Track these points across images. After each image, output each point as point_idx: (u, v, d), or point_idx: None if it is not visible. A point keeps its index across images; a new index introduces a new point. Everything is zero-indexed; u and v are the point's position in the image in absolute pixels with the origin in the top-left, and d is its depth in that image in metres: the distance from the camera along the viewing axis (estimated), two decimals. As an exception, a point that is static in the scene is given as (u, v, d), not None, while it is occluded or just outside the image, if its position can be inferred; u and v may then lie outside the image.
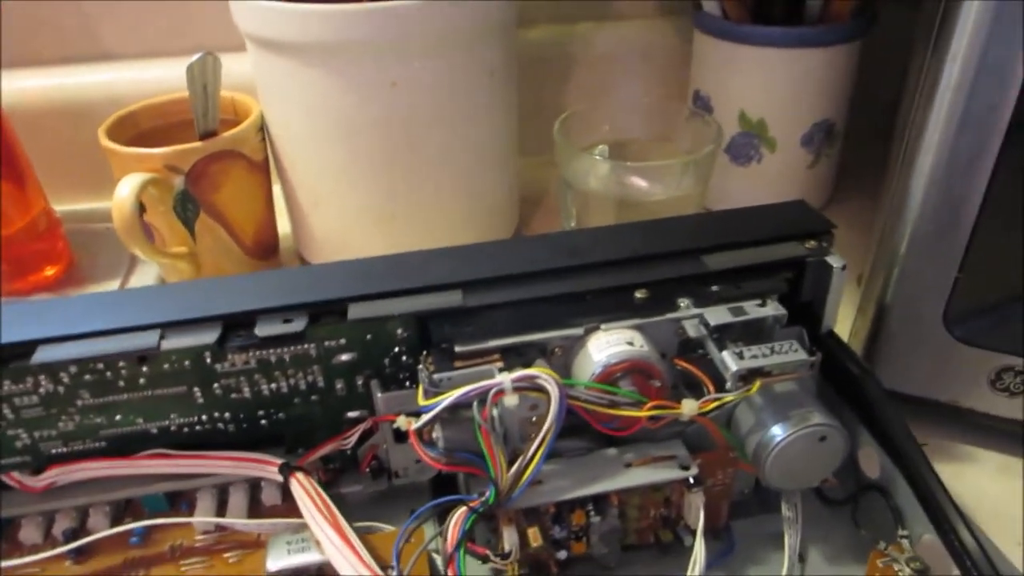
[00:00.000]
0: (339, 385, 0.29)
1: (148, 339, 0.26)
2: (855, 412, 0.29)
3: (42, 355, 0.26)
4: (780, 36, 0.46)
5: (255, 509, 0.30)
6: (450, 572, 0.24)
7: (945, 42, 0.28)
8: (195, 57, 0.41)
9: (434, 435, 0.26)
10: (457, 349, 0.27)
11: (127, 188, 0.38)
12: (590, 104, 0.47)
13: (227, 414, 0.29)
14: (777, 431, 0.26)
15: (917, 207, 0.31)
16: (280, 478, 0.28)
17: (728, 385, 0.26)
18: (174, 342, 0.26)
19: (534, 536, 0.26)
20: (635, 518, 0.28)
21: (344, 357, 0.28)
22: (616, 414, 0.26)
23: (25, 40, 0.55)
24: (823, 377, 0.30)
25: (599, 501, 0.27)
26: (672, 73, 0.60)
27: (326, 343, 0.28)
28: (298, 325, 0.27)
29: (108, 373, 0.27)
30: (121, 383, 0.27)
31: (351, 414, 0.30)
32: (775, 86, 0.48)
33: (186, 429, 0.29)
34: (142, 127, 0.45)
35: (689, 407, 0.26)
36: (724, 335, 0.28)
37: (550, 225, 0.54)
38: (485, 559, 0.26)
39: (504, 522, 0.26)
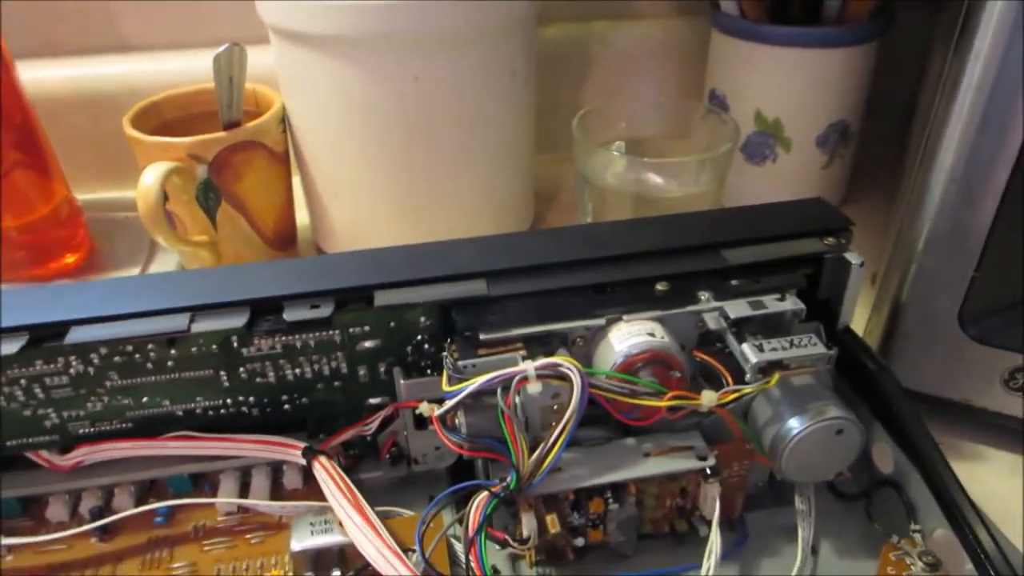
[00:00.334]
0: (362, 372, 0.29)
1: (178, 322, 0.27)
2: (870, 407, 0.30)
3: (75, 335, 0.26)
4: (798, 36, 0.46)
5: (276, 492, 0.31)
6: (471, 555, 0.25)
7: (968, 42, 0.28)
8: (222, 48, 0.41)
9: (457, 421, 0.27)
10: (481, 337, 0.27)
11: (152, 176, 0.38)
12: (607, 101, 0.47)
13: (251, 398, 0.29)
14: (794, 423, 0.27)
15: (935, 205, 0.31)
16: (303, 461, 0.29)
17: (747, 377, 0.27)
18: (203, 325, 0.27)
19: (552, 522, 0.26)
20: (652, 507, 0.28)
21: (368, 344, 0.29)
22: (636, 403, 0.26)
23: (49, 31, 0.56)
24: (839, 373, 0.30)
25: (617, 489, 0.27)
26: (688, 72, 0.60)
27: (351, 329, 0.28)
28: (325, 311, 0.27)
29: (137, 355, 0.27)
30: (149, 365, 0.28)
31: (372, 400, 0.30)
32: (792, 86, 0.48)
33: (211, 412, 0.29)
34: (165, 117, 0.46)
35: (708, 398, 0.26)
36: (743, 328, 0.28)
37: (565, 221, 0.55)
38: (504, 544, 0.26)
39: (524, 508, 0.26)
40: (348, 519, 0.26)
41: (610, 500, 0.27)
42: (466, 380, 0.26)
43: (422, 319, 0.28)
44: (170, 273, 0.30)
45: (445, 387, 0.26)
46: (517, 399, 0.26)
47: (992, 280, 0.32)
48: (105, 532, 0.29)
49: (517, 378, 0.25)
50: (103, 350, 0.27)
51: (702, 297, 0.29)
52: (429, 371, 0.29)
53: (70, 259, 0.49)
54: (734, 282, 0.29)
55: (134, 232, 0.50)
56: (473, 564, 0.24)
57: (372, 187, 0.44)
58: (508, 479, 0.25)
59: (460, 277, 0.28)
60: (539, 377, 0.25)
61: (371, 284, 0.28)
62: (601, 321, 0.28)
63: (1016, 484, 0.34)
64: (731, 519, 0.30)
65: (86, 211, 0.51)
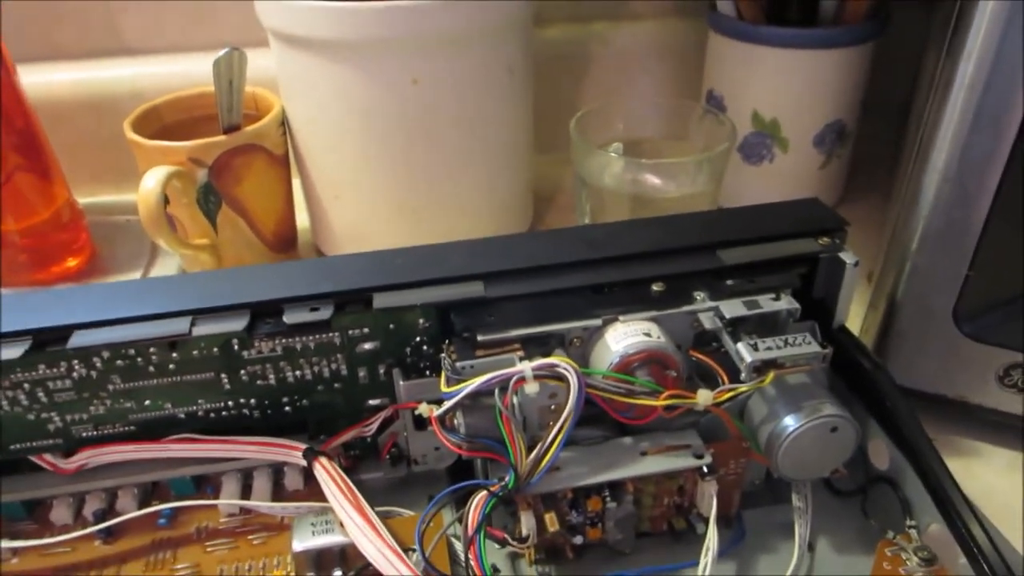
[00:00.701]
0: (361, 373, 0.30)
1: (180, 325, 0.27)
2: (865, 405, 0.30)
3: (78, 339, 0.27)
4: (795, 37, 0.47)
5: (278, 493, 0.31)
6: (471, 554, 0.25)
7: (960, 41, 0.28)
8: (222, 52, 0.42)
9: (455, 422, 0.27)
10: (479, 338, 0.27)
11: (153, 180, 0.39)
12: (605, 102, 0.48)
13: (252, 400, 0.30)
14: (790, 421, 0.27)
15: (929, 204, 0.31)
16: (304, 462, 0.29)
17: (743, 376, 0.27)
18: (204, 328, 0.27)
19: (551, 521, 0.27)
20: (649, 505, 0.29)
21: (367, 346, 0.29)
22: (633, 403, 0.26)
23: (49, 34, 0.56)
24: (834, 371, 0.30)
25: (615, 488, 0.27)
26: (686, 73, 0.60)
27: (350, 332, 0.28)
28: (325, 313, 0.28)
29: (139, 359, 0.28)
30: (151, 368, 0.28)
31: (372, 402, 0.30)
32: (789, 87, 0.48)
33: (212, 414, 0.30)
34: (165, 120, 0.46)
35: (704, 397, 0.26)
36: (739, 328, 0.28)
37: (563, 222, 0.55)
38: (503, 543, 0.27)
39: (523, 507, 0.26)
40: (349, 519, 0.26)
41: (608, 498, 0.27)
42: (464, 381, 0.26)
43: (421, 321, 0.28)
44: (171, 276, 0.31)
45: (444, 388, 0.27)
46: (515, 399, 0.26)
47: (986, 277, 0.32)
48: (109, 534, 0.30)
49: (515, 379, 0.25)
50: (105, 354, 0.27)
51: (698, 297, 0.29)
52: (428, 372, 0.30)
53: (72, 263, 0.49)
54: (730, 282, 0.29)
55: (135, 235, 0.51)
56: (473, 563, 0.24)
57: (372, 189, 0.45)
58: (507, 478, 0.26)
59: (458, 279, 0.28)
60: (536, 377, 0.25)
61: (370, 286, 0.28)
62: (598, 321, 0.28)
63: (1013, 480, 0.34)
64: (728, 516, 0.30)
65: (87, 215, 0.51)
